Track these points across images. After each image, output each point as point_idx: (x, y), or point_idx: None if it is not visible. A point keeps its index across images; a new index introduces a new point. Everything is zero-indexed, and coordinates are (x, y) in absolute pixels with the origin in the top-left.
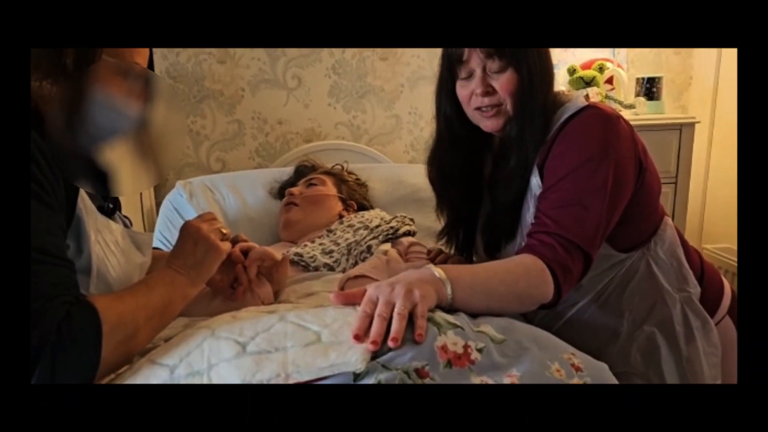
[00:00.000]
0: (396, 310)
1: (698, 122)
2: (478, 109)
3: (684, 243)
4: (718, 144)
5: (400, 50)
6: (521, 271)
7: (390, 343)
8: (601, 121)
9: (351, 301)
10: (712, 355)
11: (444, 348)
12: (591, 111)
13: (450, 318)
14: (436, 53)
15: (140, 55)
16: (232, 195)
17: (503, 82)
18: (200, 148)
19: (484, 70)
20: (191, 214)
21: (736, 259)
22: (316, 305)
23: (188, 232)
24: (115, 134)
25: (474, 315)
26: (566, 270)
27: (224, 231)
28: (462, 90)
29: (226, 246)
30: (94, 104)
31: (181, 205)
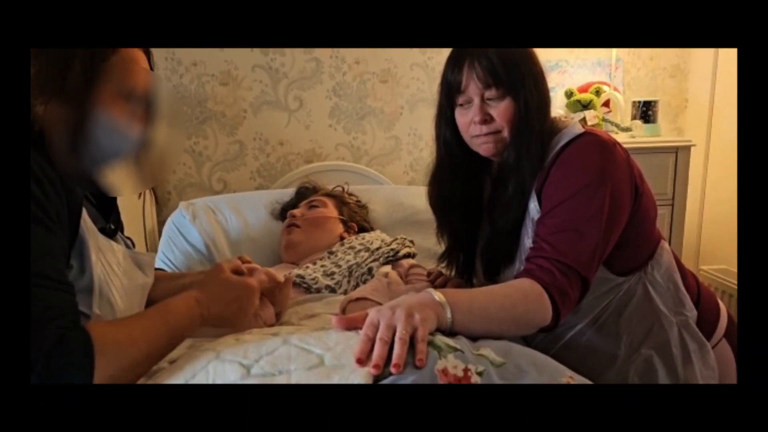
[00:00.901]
0: (397, 334)
1: (694, 145)
2: (477, 135)
3: (681, 267)
4: (715, 166)
5: (399, 72)
6: (520, 295)
7: (392, 370)
8: (597, 148)
9: (353, 326)
10: (710, 378)
11: (444, 371)
12: (588, 138)
13: (450, 341)
14: (435, 76)
15: (143, 78)
16: (235, 216)
17: (501, 111)
18: (202, 169)
19: (482, 98)
20: (194, 235)
21: (733, 280)
22: (318, 327)
23: (236, 287)
24: (118, 156)
25: (473, 338)
26: (564, 294)
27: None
28: (461, 117)
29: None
30: (98, 127)
31: (183, 226)
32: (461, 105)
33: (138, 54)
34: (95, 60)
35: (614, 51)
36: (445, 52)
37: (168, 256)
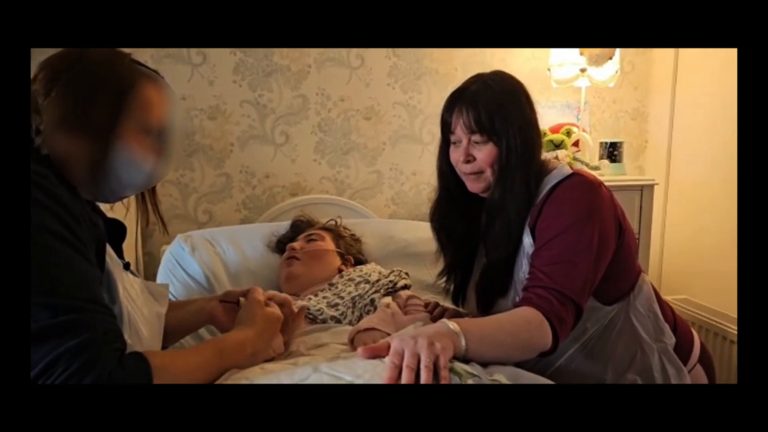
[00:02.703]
0: (423, 362)
1: (657, 183)
2: (463, 173)
3: (659, 297)
4: (673, 203)
5: (382, 110)
6: (523, 322)
7: None
8: (585, 188)
9: (376, 354)
10: None
11: None
12: (577, 178)
13: (467, 368)
14: (416, 114)
15: (162, 111)
16: (232, 248)
17: (484, 154)
18: (188, 200)
19: (468, 140)
20: (194, 267)
21: (694, 309)
22: (328, 356)
23: (275, 321)
24: (133, 188)
25: (484, 364)
26: (561, 320)
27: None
28: (453, 153)
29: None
30: (118, 160)
31: (183, 258)
32: (453, 143)
33: (157, 87)
34: (120, 95)
35: (583, 94)
36: (426, 93)
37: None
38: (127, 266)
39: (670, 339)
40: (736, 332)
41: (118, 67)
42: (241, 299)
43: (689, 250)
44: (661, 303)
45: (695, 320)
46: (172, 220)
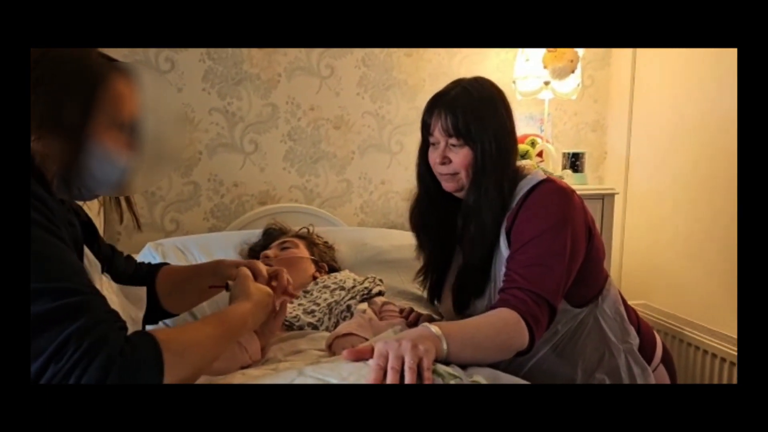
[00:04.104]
0: (407, 364)
1: (617, 193)
2: (439, 173)
3: (624, 300)
4: (632, 211)
5: (352, 119)
6: (501, 324)
7: None
8: (560, 195)
9: (361, 357)
10: None
11: None
12: (551, 185)
13: (449, 369)
14: (385, 124)
15: (133, 106)
16: (204, 257)
17: (460, 157)
18: (155, 209)
19: (446, 143)
20: None
21: (653, 314)
22: (307, 362)
23: (271, 297)
24: (108, 185)
25: (463, 366)
26: (537, 320)
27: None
28: (431, 154)
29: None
30: (92, 158)
31: None
32: (432, 144)
33: (128, 81)
34: (89, 90)
35: (546, 106)
36: (394, 103)
37: None
38: (103, 268)
39: (635, 340)
40: (693, 336)
41: (85, 62)
42: (229, 282)
43: (648, 256)
44: (626, 306)
45: (654, 324)
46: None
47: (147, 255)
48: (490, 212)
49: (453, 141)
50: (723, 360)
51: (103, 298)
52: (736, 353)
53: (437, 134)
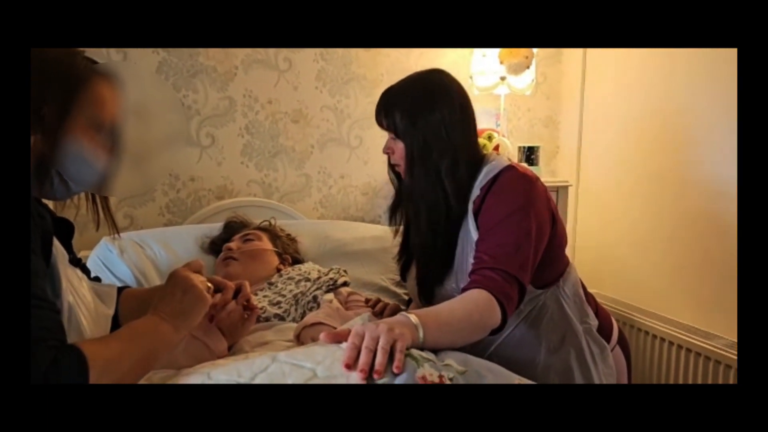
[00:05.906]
0: (380, 344)
1: (570, 185)
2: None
3: (583, 285)
4: (583, 203)
5: (310, 113)
6: (473, 305)
7: (374, 375)
8: (525, 181)
9: (338, 339)
10: (610, 375)
11: (424, 378)
12: (516, 172)
13: (423, 354)
14: (344, 118)
15: (113, 109)
16: (164, 251)
17: (398, 150)
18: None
19: (390, 135)
20: (123, 270)
21: (605, 302)
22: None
23: (177, 281)
24: (84, 185)
25: (435, 351)
26: (508, 297)
27: (209, 285)
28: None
29: (211, 297)
30: (67, 157)
31: (110, 261)
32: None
33: (110, 85)
34: (70, 90)
35: (502, 101)
36: (353, 98)
37: None
38: (78, 262)
39: (594, 321)
40: (643, 321)
41: (68, 63)
42: None
43: (599, 247)
44: (585, 290)
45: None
46: (89, 224)
47: (103, 249)
48: (423, 200)
49: (391, 134)
50: (671, 344)
51: (45, 310)
52: (684, 338)
53: (384, 128)
